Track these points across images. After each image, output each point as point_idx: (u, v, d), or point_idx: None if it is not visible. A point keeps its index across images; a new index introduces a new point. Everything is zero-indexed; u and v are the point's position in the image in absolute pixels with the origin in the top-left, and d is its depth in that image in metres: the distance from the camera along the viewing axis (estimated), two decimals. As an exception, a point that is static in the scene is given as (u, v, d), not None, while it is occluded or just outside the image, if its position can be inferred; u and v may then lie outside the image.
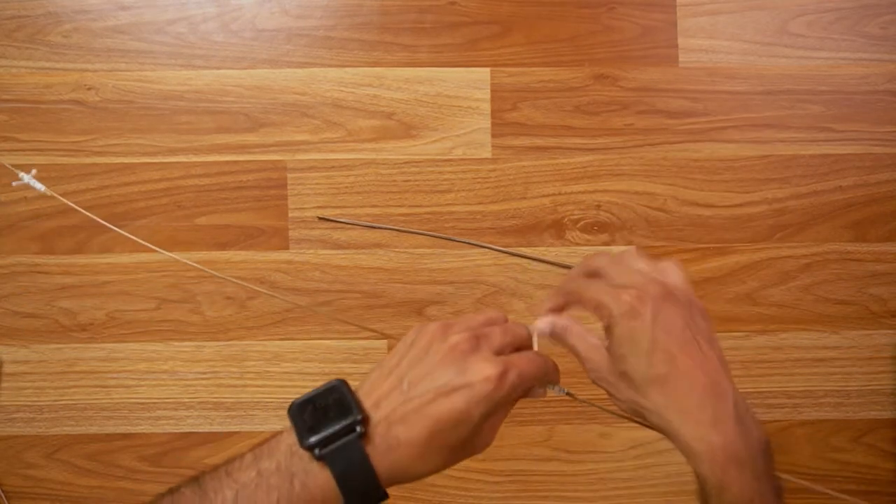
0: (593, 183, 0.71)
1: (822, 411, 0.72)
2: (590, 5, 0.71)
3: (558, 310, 0.42)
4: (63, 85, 0.70)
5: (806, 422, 0.72)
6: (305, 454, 0.36)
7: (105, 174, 0.70)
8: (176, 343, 0.71)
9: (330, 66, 0.70)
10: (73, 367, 0.71)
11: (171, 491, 0.38)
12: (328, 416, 0.37)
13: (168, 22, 0.70)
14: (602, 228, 0.71)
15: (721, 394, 0.39)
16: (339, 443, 0.36)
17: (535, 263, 0.71)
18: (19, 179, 0.53)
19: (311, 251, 0.71)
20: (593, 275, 0.42)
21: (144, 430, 0.71)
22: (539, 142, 0.71)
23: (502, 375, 0.37)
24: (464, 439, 0.37)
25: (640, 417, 0.41)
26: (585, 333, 0.41)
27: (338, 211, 0.71)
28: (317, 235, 0.71)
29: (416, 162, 0.71)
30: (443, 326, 0.40)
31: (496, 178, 0.71)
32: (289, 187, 0.70)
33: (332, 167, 0.70)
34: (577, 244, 0.71)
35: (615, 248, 0.71)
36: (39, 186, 0.56)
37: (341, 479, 0.36)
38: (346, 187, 0.71)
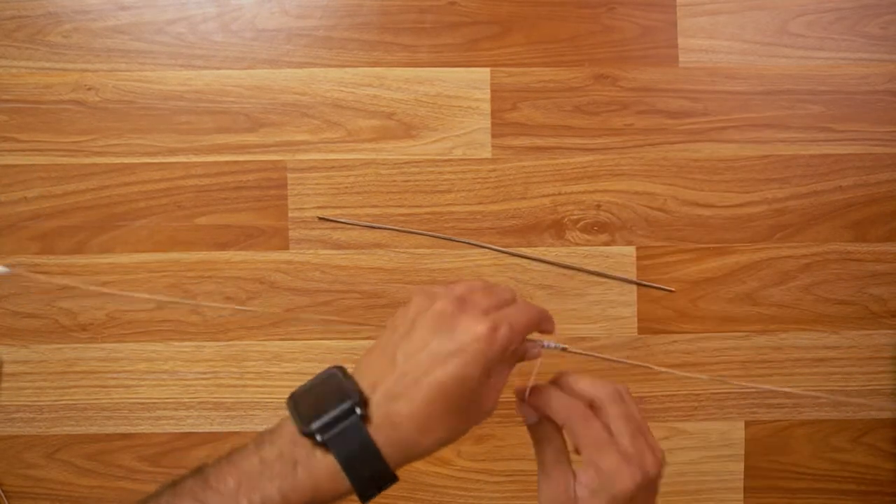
0: (593, 183, 0.71)
1: (822, 411, 0.72)
2: (590, 5, 0.71)
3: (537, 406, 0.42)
4: (63, 85, 0.70)
5: (806, 422, 0.72)
6: (307, 441, 0.36)
7: (105, 174, 0.70)
8: (176, 343, 0.71)
9: (330, 66, 0.70)
10: (73, 367, 0.71)
11: (174, 482, 0.37)
12: (327, 402, 0.37)
13: (168, 22, 0.70)
14: (602, 228, 0.71)
15: None
16: (339, 427, 0.36)
17: (535, 263, 0.71)
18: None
19: (311, 251, 0.71)
20: (593, 404, 0.41)
21: (144, 430, 0.71)
22: (539, 142, 0.71)
23: (492, 331, 0.37)
24: (466, 404, 0.37)
25: None
26: (565, 459, 0.41)
27: (338, 211, 0.71)
28: (317, 235, 0.71)
29: (416, 162, 0.71)
30: (426, 296, 0.39)
31: (496, 178, 0.71)
32: (289, 187, 0.70)
33: (332, 167, 0.70)
34: (577, 244, 0.71)
35: (615, 249, 0.71)
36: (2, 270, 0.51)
37: (346, 463, 0.35)
38: (346, 187, 0.71)
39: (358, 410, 0.36)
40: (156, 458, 0.71)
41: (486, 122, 0.70)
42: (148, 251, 0.70)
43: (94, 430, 0.71)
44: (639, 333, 0.71)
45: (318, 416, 0.36)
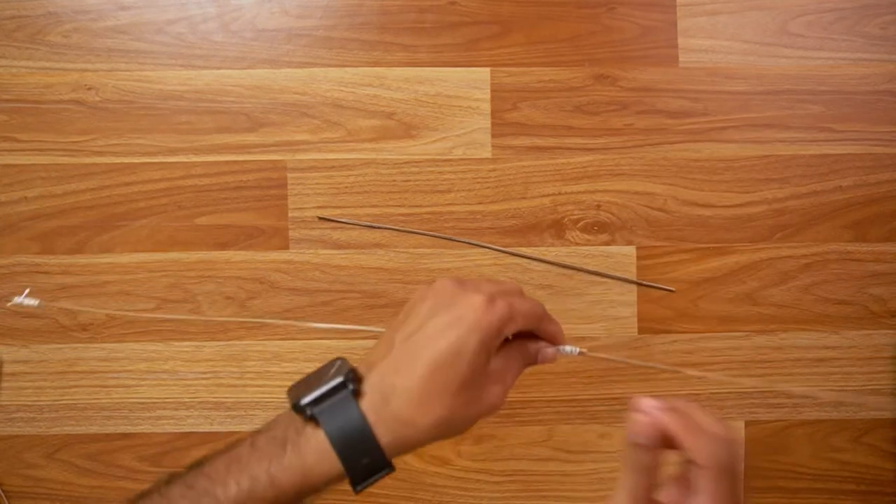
0: (593, 183, 0.71)
1: (822, 411, 0.72)
2: (590, 5, 0.71)
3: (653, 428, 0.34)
4: (63, 85, 0.70)
5: (806, 422, 0.72)
6: (299, 421, 0.35)
7: (105, 174, 0.70)
8: (176, 343, 0.71)
9: (330, 66, 0.70)
10: (73, 367, 0.71)
11: (174, 473, 0.38)
12: (321, 380, 0.36)
13: (168, 22, 0.70)
14: (602, 228, 0.71)
15: None
16: (329, 401, 0.35)
17: (534, 263, 0.71)
18: (13, 300, 0.51)
19: (311, 251, 0.71)
20: (669, 437, 0.34)
21: (144, 430, 0.71)
22: (539, 142, 0.71)
23: (489, 302, 0.36)
24: (464, 382, 0.35)
25: None
26: (650, 484, 0.34)
27: (338, 211, 0.71)
28: (317, 235, 0.71)
29: (416, 162, 0.71)
30: (427, 285, 0.39)
31: (496, 178, 0.71)
32: (289, 187, 0.70)
33: (332, 167, 0.70)
34: (578, 244, 0.71)
35: (615, 248, 0.71)
36: (32, 302, 0.52)
37: (335, 439, 0.34)
38: (346, 187, 0.71)
39: (350, 386, 0.36)
40: (156, 458, 0.71)
41: (486, 122, 0.70)
42: (148, 251, 0.70)
43: (94, 430, 0.71)
44: (639, 333, 0.71)
45: (309, 392, 0.36)
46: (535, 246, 0.71)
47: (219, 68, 0.70)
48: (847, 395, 0.70)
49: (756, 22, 0.71)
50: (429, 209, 0.71)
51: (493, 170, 0.71)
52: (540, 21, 0.71)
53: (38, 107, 0.70)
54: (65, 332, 0.70)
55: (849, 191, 0.71)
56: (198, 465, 0.37)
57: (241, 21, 0.70)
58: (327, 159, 0.70)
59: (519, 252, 0.71)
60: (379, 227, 0.71)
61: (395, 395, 0.35)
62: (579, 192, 0.71)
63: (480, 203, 0.71)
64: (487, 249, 0.71)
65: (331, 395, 0.35)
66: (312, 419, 0.35)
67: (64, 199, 0.70)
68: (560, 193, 0.71)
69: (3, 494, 0.70)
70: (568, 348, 0.40)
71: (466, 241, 0.71)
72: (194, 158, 0.70)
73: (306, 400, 0.35)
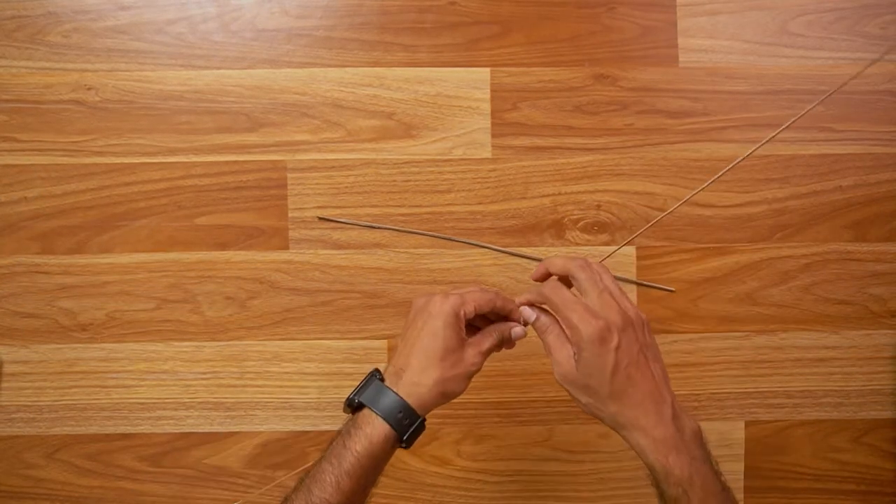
0: (593, 183, 0.71)
1: (822, 411, 0.72)
2: (590, 5, 0.71)
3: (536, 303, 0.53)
4: (63, 85, 0.70)
5: (806, 422, 0.72)
6: (353, 414, 0.51)
7: (105, 174, 0.70)
8: (176, 343, 0.71)
9: (330, 66, 0.70)
10: (73, 367, 0.71)
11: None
12: (359, 382, 0.52)
13: (168, 22, 0.70)
14: (602, 228, 0.71)
15: (661, 400, 0.47)
16: (365, 388, 0.51)
17: (534, 263, 0.71)
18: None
19: (311, 251, 0.71)
20: (567, 281, 0.52)
21: (144, 430, 0.71)
22: (539, 142, 0.71)
23: (445, 296, 0.51)
24: (443, 351, 0.50)
25: (595, 418, 0.49)
26: (564, 338, 0.50)
27: (338, 211, 0.71)
28: (317, 235, 0.71)
29: (416, 162, 0.71)
30: (411, 306, 0.54)
31: (496, 178, 0.71)
32: (289, 187, 0.70)
33: (332, 167, 0.70)
34: (578, 244, 0.71)
35: (614, 249, 0.71)
36: None
37: (374, 405, 0.49)
38: (346, 187, 0.71)
39: (377, 375, 0.52)
40: (156, 458, 0.71)
41: (486, 122, 0.70)
42: (148, 251, 0.70)
43: (94, 430, 0.71)
44: (639, 333, 0.71)
45: (353, 392, 0.51)
46: (535, 246, 0.71)
47: (219, 68, 0.70)
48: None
49: (756, 22, 0.71)
50: (429, 209, 0.71)
51: (493, 170, 0.71)
52: (540, 21, 0.71)
53: (38, 107, 0.70)
54: (65, 333, 0.70)
55: (849, 191, 0.71)
56: (301, 479, 0.50)
57: (241, 21, 0.70)
58: (327, 159, 0.70)
59: (519, 252, 0.71)
60: (379, 227, 0.71)
61: (405, 372, 0.50)
62: (579, 192, 0.71)
63: (480, 203, 0.71)
64: (487, 249, 0.71)
65: (365, 386, 0.51)
66: (359, 405, 0.50)
67: (64, 199, 0.70)
68: (560, 193, 0.71)
69: None
70: (516, 332, 0.53)
71: (466, 241, 0.71)
72: (194, 158, 0.70)
73: (352, 395, 0.51)
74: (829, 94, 0.70)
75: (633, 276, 0.71)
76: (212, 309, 0.71)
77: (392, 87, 0.70)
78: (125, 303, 0.70)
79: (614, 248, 0.71)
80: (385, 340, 0.71)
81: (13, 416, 0.71)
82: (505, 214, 0.71)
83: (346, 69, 0.70)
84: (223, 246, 0.70)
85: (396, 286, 0.71)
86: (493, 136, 0.71)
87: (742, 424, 0.71)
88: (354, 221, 0.71)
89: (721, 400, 0.71)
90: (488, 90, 0.70)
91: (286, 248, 0.71)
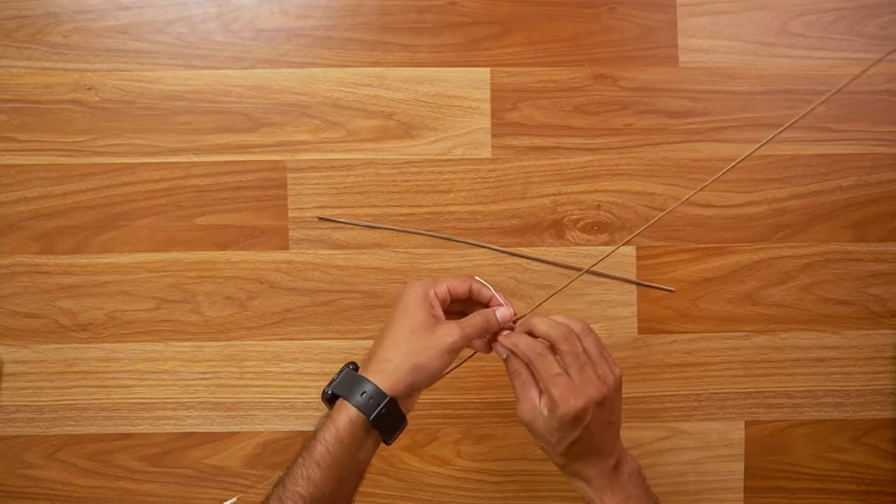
0: (593, 183, 0.71)
1: (822, 411, 0.72)
2: (590, 5, 0.71)
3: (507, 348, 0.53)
4: (63, 85, 0.70)
5: (806, 422, 0.72)
6: (329, 406, 0.51)
7: (105, 174, 0.70)
8: (176, 343, 0.71)
9: (330, 66, 0.70)
10: (73, 367, 0.71)
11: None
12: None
13: (168, 22, 0.70)
14: (602, 228, 0.71)
15: (609, 455, 0.51)
16: (338, 379, 0.51)
17: (534, 263, 0.71)
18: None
19: (311, 251, 0.71)
20: (548, 342, 0.52)
21: (144, 430, 0.71)
22: (539, 142, 0.71)
23: (418, 278, 0.53)
24: (413, 325, 0.49)
25: (548, 457, 0.52)
26: (531, 383, 0.51)
27: (338, 211, 0.71)
28: (317, 235, 0.71)
29: (416, 162, 0.71)
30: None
31: (496, 178, 0.71)
32: (289, 187, 0.70)
33: (332, 167, 0.70)
34: (578, 244, 0.71)
35: (611, 249, 0.71)
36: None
37: (342, 391, 0.49)
38: (346, 187, 0.71)
39: (350, 366, 0.52)
40: (156, 458, 0.71)
41: (486, 122, 0.70)
42: (148, 251, 0.70)
43: (94, 430, 0.71)
44: (639, 333, 0.71)
45: (328, 384, 0.51)
46: (535, 246, 0.71)
47: (219, 68, 0.70)
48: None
49: (756, 22, 0.71)
50: (429, 209, 0.71)
51: (493, 170, 0.71)
52: (540, 21, 0.71)
53: (37, 107, 0.70)
54: (65, 333, 0.70)
55: (849, 191, 0.71)
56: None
57: (241, 21, 0.70)
58: (327, 159, 0.70)
59: (519, 252, 0.71)
60: (379, 227, 0.71)
61: (375, 352, 0.50)
62: (579, 192, 0.71)
63: (480, 203, 0.71)
64: (487, 249, 0.71)
65: (338, 376, 0.51)
66: (332, 395, 0.50)
67: (64, 199, 0.70)
68: (560, 193, 0.71)
69: None
70: (501, 312, 0.53)
71: (466, 241, 0.71)
72: (194, 158, 0.70)
73: (325, 388, 0.51)
74: (832, 94, 0.70)
75: (633, 276, 0.71)
76: (212, 309, 0.71)
77: (392, 87, 0.70)
78: (125, 303, 0.70)
79: (612, 247, 0.71)
80: (385, 340, 0.71)
81: (13, 416, 0.71)
82: (505, 214, 0.71)
83: (346, 69, 0.70)
84: (223, 246, 0.70)
85: (396, 286, 0.71)
86: (493, 136, 0.70)
87: (742, 424, 0.71)
88: (354, 221, 0.71)
89: (721, 400, 0.71)
90: (488, 90, 0.70)
91: (286, 248, 0.71)
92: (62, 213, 0.70)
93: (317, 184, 0.70)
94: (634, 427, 0.71)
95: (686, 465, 0.72)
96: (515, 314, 0.54)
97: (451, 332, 0.50)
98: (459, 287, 0.53)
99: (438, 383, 0.54)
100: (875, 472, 0.72)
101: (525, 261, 0.71)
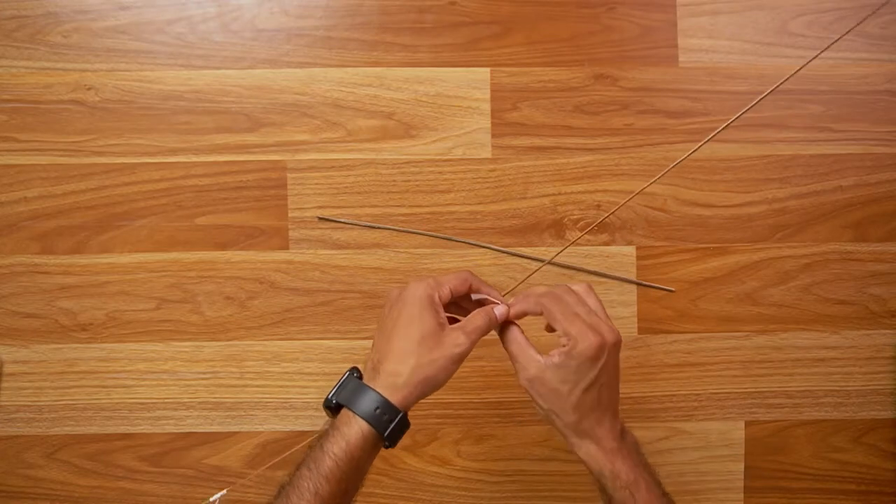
0: (593, 183, 0.71)
1: (822, 411, 0.72)
2: (590, 5, 0.71)
3: (520, 314, 0.52)
4: (63, 85, 0.70)
5: (806, 422, 0.72)
6: (332, 414, 0.49)
7: (105, 174, 0.70)
8: (176, 343, 0.71)
9: (330, 66, 0.70)
10: (73, 367, 0.71)
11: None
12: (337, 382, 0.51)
13: (168, 22, 0.70)
14: (602, 228, 0.71)
15: (615, 416, 0.51)
16: (342, 387, 0.49)
17: (535, 263, 0.71)
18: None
19: (311, 251, 0.71)
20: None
21: (144, 430, 0.71)
22: (539, 142, 0.71)
23: (420, 280, 0.50)
24: (421, 335, 0.48)
25: (547, 422, 0.51)
26: (527, 343, 0.50)
27: (338, 211, 0.71)
28: (317, 235, 0.71)
29: (416, 162, 0.71)
30: (384, 301, 0.53)
31: (496, 178, 0.71)
32: (289, 187, 0.70)
33: (332, 167, 0.70)
34: (578, 244, 0.71)
35: (615, 248, 0.71)
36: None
37: (348, 402, 0.48)
38: (346, 187, 0.71)
39: (354, 374, 0.51)
40: (156, 458, 0.71)
41: (486, 122, 0.70)
42: (148, 251, 0.70)
43: (94, 430, 0.71)
44: (639, 333, 0.71)
45: (331, 392, 0.50)
46: (535, 246, 0.71)
47: (219, 68, 0.70)
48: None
49: (756, 22, 0.71)
50: (429, 209, 0.71)
51: (493, 170, 0.71)
52: (540, 21, 0.71)
53: (37, 107, 0.70)
54: (65, 333, 0.70)
55: (849, 191, 0.71)
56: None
57: (241, 21, 0.70)
58: (327, 159, 0.70)
59: (519, 252, 0.71)
60: (379, 227, 0.71)
61: (382, 364, 0.49)
62: (579, 192, 0.71)
63: (480, 203, 0.71)
64: (487, 249, 0.71)
65: (343, 385, 0.50)
66: (337, 405, 0.49)
67: (64, 199, 0.70)
68: (560, 193, 0.71)
69: None
70: (499, 309, 0.52)
71: (466, 241, 0.71)
72: (194, 158, 0.70)
73: (328, 396, 0.49)
74: (765, 95, 0.70)
75: (633, 276, 0.71)
76: (212, 309, 0.71)
77: (392, 87, 0.70)
78: (125, 303, 0.70)
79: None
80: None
81: (13, 416, 0.71)
82: (505, 214, 0.71)
83: (346, 69, 0.70)
84: (223, 246, 0.70)
85: (396, 286, 0.71)
86: (493, 136, 0.71)
87: (742, 424, 0.72)
88: (354, 221, 0.71)
89: (721, 400, 0.71)
90: (488, 90, 0.70)
91: (286, 248, 0.71)
92: (62, 213, 0.70)
93: (317, 184, 0.70)
94: (634, 427, 0.71)
95: (686, 465, 0.72)
96: (509, 309, 0.53)
97: (458, 341, 0.49)
98: (461, 287, 0.52)
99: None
100: (875, 472, 0.72)
101: (525, 261, 0.71)
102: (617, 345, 0.49)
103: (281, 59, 0.70)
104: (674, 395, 0.71)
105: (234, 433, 0.71)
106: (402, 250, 0.71)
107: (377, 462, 0.66)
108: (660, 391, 0.71)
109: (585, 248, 0.71)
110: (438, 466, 0.71)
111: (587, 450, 0.49)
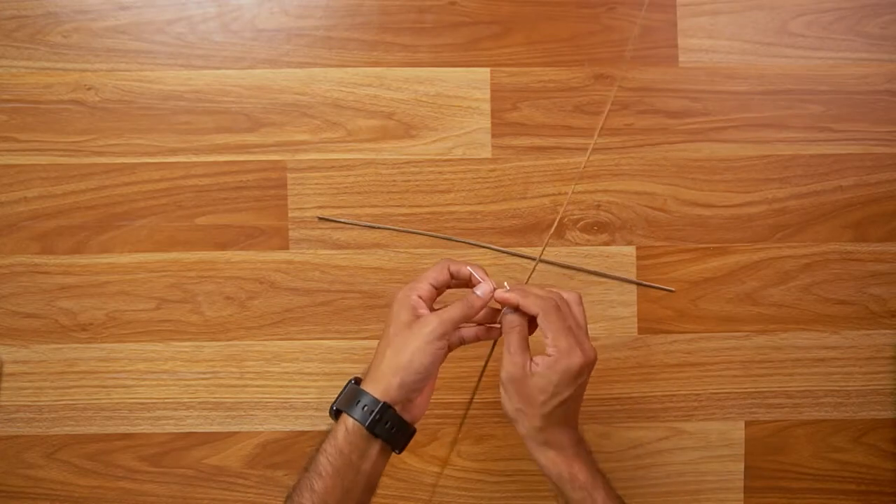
0: (593, 183, 0.71)
1: (822, 411, 0.72)
2: (590, 5, 0.71)
3: (513, 305, 0.52)
4: (63, 85, 0.70)
5: (806, 422, 0.72)
6: (334, 421, 0.51)
7: (105, 174, 0.70)
8: (176, 343, 0.71)
9: (330, 66, 0.70)
10: (73, 367, 0.71)
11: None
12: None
13: (168, 22, 0.70)
14: (602, 228, 0.71)
15: (575, 426, 0.53)
16: (342, 394, 0.51)
17: (535, 264, 0.71)
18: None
19: (311, 251, 0.71)
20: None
21: (144, 430, 0.71)
22: (539, 142, 0.71)
23: (402, 286, 0.53)
24: (395, 327, 0.50)
25: (510, 421, 0.52)
26: (525, 343, 0.52)
27: (338, 211, 0.71)
28: (317, 235, 0.71)
29: (416, 162, 0.71)
30: None
31: (496, 178, 0.71)
32: (289, 187, 0.70)
33: (332, 167, 0.70)
34: (578, 244, 0.71)
35: (615, 248, 0.71)
36: None
37: (342, 405, 0.50)
38: (346, 187, 0.71)
39: (352, 381, 0.52)
40: (156, 458, 0.71)
41: (486, 122, 0.70)
42: (148, 251, 0.70)
43: (94, 430, 0.71)
44: (639, 333, 0.71)
45: (334, 401, 0.52)
46: (535, 246, 0.71)
47: (219, 68, 0.70)
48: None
49: (756, 22, 0.71)
50: (429, 209, 0.71)
51: (493, 170, 0.71)
52: (540, 21, 0.71)
53: (37, 107, 0.70)
54: (65, 332, 0.70)
55: (849, 191, 0.71)
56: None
57: (241, 21, 0.70)
58: (327, 159, 0.70)
59: (519, 252, 0.71)
60: (379, 227, 0.71)
61: (371, 363, 0.51)
62: (579, 192, 0.71)
63: (480, 203, 0.71)
64: (487, 249, 0.71)
65: (341, 392, 0.52)
66: (336, 411, 0.51)
67: (64, 199, 0.70)
68: (560, 193, 0.71)
69: None
70: (480, 288, 0.53)
71: (466, 241, 0.71)
72: (194, 158, 0.70)
73: (332, 405, 0.51)
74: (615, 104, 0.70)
75: (633, 276, 0.71)
76: (212, 309, 0.71)
77: (392, 87, 0.70)
78: (125, 303, 0.70)
79: (615, 247, 0.71)
80: (385, 340, 0.71)
81: (13, 416, 0.71)
82: (505, 214, 0.71)
83: (346, 69, 0.70)
84: (223, 246, 0.70)
85: (396, 286, 0.71)
86: (493, 136, 0.71)
87: (742, 424, 0.72)
88: (354, 221, 0.71)
89: (721, 400, 0.71)
90: (488, 90, 0.70)
91: (286, 248, 0.71)
92: (62, 213, 0.70)
93: (317, 184, 0.70)
94: (634, 427, 0.71)
95: (686, 465, 0.72)
96: (495, 288, 0.53)
97: (427, 321, 0.50)
98: (440, 276, 0.53)
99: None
100: (875, 472, 0.72)
101: (525, 261, 0.71)
102: (594, 364, 0.51)
103: (281, 59, 0.70)
104: (674, 395, 0.71)
105: (234, 433, 0.71)
106: (402, 250, 0.71)
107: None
108: (660, 391, 0.71)
109: (585, 248, 0.71)
110: (438, 466, 0.71)
111: (547, 456, 0.51)
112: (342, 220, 0.71)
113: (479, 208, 0.71)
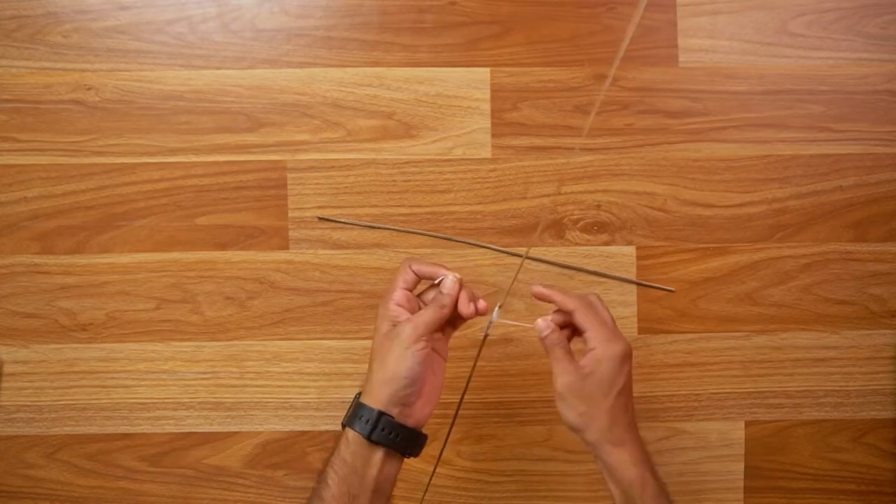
0: (593, 183, 0.71)
1: (822, 411, 0.72)
2: (590, 5, 0.71)
3: (561, 320, 0.54)
4: (63, 85, 0.70)
5: (806, 422, 0.72)
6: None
7: (105, 174, 0.70)
8: (176, 343, 0.71)
9: (330, 66, 0.70)
10: (73, 367, 0.71)
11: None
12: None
13: (168, 22, 0.70)
14: (602, 228, 0.71)
15: (637, 426, 0.53)
16: (349, 409, 0.52)
17: (534, 263, 0.71)
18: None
19: (311, 251, 0.71)
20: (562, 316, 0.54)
21: (144, 430, 0.71)
22: (539, 142, 0.71)
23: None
24: (378, 339, 0.51)
25: (578, 430, 0.51)
26: (571, 352, 0.52)
27: (338, 211, 0.71)
28: (317, 235, 0.71)
29: (416, 162, 0.71)
30: None
31: (496, 178, 0.71)
32: (289, 187, 0.70)
33: (332, 167, 0.70)
34: (578, 244, 0.71)
35: (615, 249, 0.71)
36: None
37: (347, 420, 0.51)
38: (346, 187, 0.71)
39: (357, 396, 0.52)
40: (156, 458, 0.71)
41: (486, 122, 0.70)
42: (148, 251, 0.70)
43: (94, 430, 0.71)
44: (639, 333, 0.71)
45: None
46: (536, 246, 0.71)
47: (219, 68, 0.70)
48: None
49: (756, 22, 0.71)
50: (429, 209, 0.71)
51: (493, 170, 0.71)
52: (540, 21, 0.71)
53: (37, 107, 0.70)
54: (65, 333, 0.70)
55: (849, 191, 0.71)
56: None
57: (241, 21, 0.70)
58: (327, 159, 0.70)
59: (519, 252, 0.71)
60: (379, 228, 0.71)
61: (371, 374, 0.51)
62: (579, 192, 0.71)
63: (480, 203, 0.71)
64: (487, 249, 0.71)
65: (349, 407, 0.52)
66: (343, 426, 0.51)
67: (64, 199, 0.70)
68: (560, 193, 0.71)
69: None
70: (445, 285, 0.53)
71: (466, 241, 0.71)
72: (194, 158, 0.70)
73: (342, 422, 0.52)
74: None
75: (633, 276, 0.71)
76: (212, 309, 0.71)
77: (392, 87, 0.70)
78: (125, 303, 0.70)
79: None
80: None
81: (13, 416, 0.71)
82: (505, 214, 0.71)
83: (346, 69, 0.70)
84: (223, 246, 0.70)
85: (396, 286, 0.71)
86: (493, 136, 0.70)
87: (742, 424, 0.72)
88: (354, 221, 0.71)
89: (721, 400, 0.71)
90: (488, 90, 0.70)
91: (286, 248, 0.71)
92: (62, 213, 0.70)
93: (317, 184, 0.70)
94: (634, 427, 0.71)
95: (686, 465, 0.72)
96: (459, 278, 0.53)
97: (401, 329, 0.51)
98: (407, 277, 0.53)
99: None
100: (875, 472, 0.72)
101: (525, 261, 0.71)
102: (632, 352, 0.52)
103: (281, 59, 0.70)
104: (674, 395, 0.71)
105: (234, 433, 0.71)
106: (402, 250, 0.71)
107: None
108: (660, 391, 0.71)
109: (585, 248, 0.71)
110: (438, 466, 0.71)
111: (618, 456, 0.50)
112: (342, 220, 0.71)
113: (478, 208, 0.71)
